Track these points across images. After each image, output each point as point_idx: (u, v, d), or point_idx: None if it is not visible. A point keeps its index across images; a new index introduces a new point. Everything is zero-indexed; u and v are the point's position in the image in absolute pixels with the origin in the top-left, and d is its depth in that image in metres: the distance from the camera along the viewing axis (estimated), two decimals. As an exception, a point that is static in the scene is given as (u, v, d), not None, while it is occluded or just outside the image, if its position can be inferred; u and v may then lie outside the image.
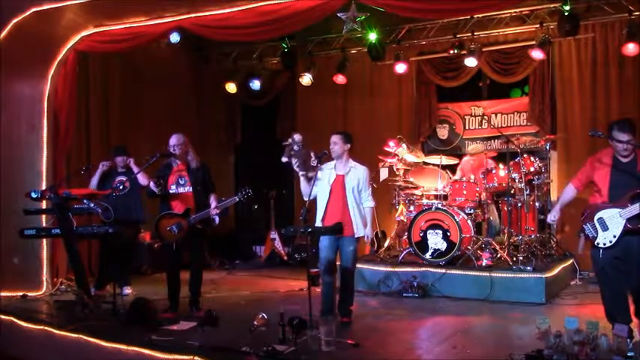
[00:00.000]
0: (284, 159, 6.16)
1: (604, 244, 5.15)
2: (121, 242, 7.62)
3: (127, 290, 7.93)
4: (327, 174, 6.12)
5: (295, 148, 6.03)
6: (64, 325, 6.09)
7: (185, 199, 6.75)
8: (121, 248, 7.79)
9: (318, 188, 6.09)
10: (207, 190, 6.84)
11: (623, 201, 5.09)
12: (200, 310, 6.62)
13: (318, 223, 6.05)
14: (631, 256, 5.16)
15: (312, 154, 6.20)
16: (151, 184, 6.76)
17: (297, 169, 6.15)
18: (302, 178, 6.17)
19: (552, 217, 5.86)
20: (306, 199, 6.03)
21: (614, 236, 5.11)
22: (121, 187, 7.58)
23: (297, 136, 6.12)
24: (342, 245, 6.08)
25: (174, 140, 6.81)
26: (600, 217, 5.18)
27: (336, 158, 6.12)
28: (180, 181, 6.80)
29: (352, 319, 6.19)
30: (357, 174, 6.13)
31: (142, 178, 7.65)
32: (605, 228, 5.15)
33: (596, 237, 5.19)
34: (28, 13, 7.67)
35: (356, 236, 6.09)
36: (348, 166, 6.14)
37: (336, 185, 6.10)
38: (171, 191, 6.78)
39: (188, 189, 6.77)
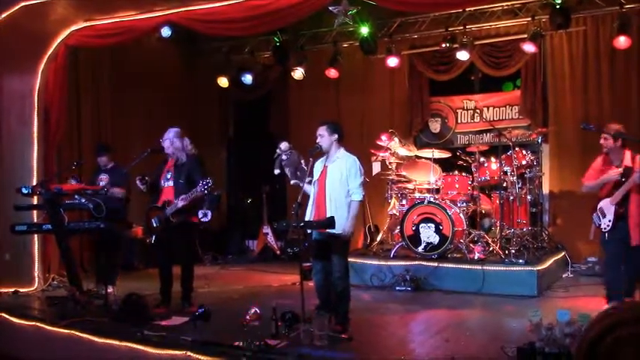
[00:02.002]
0: (276, 171, 6.02)
1: (604, 229, 6.04)
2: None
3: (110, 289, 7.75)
4: (318, 168, 5.83)
5: (284, 157, 5.89)
6: (56, 321, 6.07)
7: (167, 193, 6.77)
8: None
9: (312, 182, 5.81)
10: (193, 184, 6.72)
11: (612, 190, 6.01)
12: (192, 305, 6.61)
13: (308, 218, 5.75)
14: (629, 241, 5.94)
15: (301, 160, 6.02)
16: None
17: (292, 180, 6.00)
18: (307, 186, 5.82)
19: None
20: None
21: (609, 220, 5.99)
22: (102, 184, 7.52)
23: (283, 145, 5.97)
24: (328, 242, 5.73)
25: (168, 134, 6.86)
26: (600, 207, 6.09)
27: (326, 151, 5.79)
28: (167, 176, 6.84)
29: (348, 329, 5.58)
30: (339, 165, 5.70)
31: (117, 191, 7.55)
32: (604, 215, 6.06)
33: (600, 223, 6.08)
34: (17, 7, 7.62)
35: (335, 232, 5.54)
36: (335, 157, 5.76)
37: (322, 178, 5.74)
38: (160, 185, 6.84)
39: (170, 183, 6.80)
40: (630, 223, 5.89)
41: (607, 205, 6.01)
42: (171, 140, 6.79)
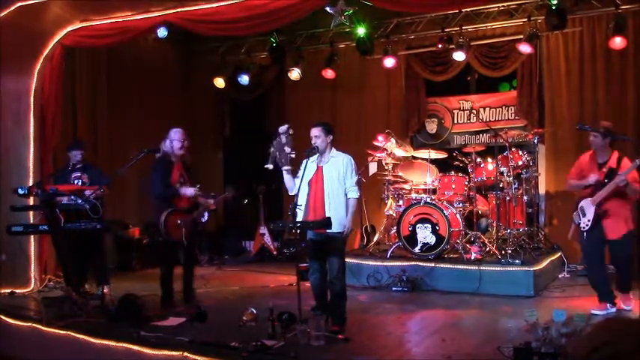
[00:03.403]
0: (269, 166, 5.95)
1: (583, 228, 6.19)
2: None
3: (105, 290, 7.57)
4: (309, 167, 5.76)
5: (277, 139, 5.87)
6: (52, 322, 6.06)
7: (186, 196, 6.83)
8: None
9: (302, 183, 5.73)
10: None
11: (594, 190, 6.12)
12: (199, 301, 6.74)
13: (303, 219, 5.68)
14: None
15: (286, 147, 5.97)
16: (193, 190, 6.73)
17: (268, 164, 5.97)
18: (285, 173, 5.85)
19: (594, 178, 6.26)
20: (291, 193, 5.77)
21: (589, 220, 6.13)
22: (79, 183, 7.48)
23: (281, 128, 5.95)
24: (325, 242, 5.74)
25: (181, 135, 6.81)
26: (581, 206, 6.22)
27: (321, 153, 5.79)
28: (181, 179, 6.83)
29: (345, 330, 5.62)
30: (336, 163, 5.74)
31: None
32: (584, 214, 6.19)
33: (580, 222, 6.22)
34: (13, 7, 7.61)
35: (334, 231, 5.57)
36: (329, 157, 5.79)
37: (316, 178, 5.74)
38: (177, 188, 6.80)
39: (189, 185, 6.83)
40: (608, 221, 6.07)
41: (588, 205, 6.15)
42: (183, 140, 6.81)
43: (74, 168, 7.68)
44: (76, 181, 7.54)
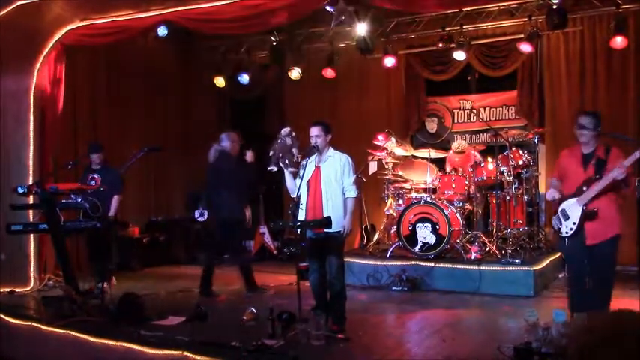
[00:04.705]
0: (273, 168, 5.89)
1: (566, 233, 5.25)
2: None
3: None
4: (307, 168, 5.72)
5: (279, 141, 5.84)
6: (52, 321, 6.05)
7: None
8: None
9: (302, 183, 5.70)
10: None
11: (580, 189, 5.20)
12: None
13: (301, 218, 5.65)
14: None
15: (294, 148, 5.93)
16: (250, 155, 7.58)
17: (283, 167, 5.93)
18: (287, 174, 5.80)
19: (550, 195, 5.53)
20: (292, 195, 5.71)
21: (574, 223, 5.19)
22: (93, 184, 7.50)
23: (283, 131, 5.94)
24: (324, 241, 5.71)
25: (232, 136, 7.66)
26: (562, 209, 5.30)
27: (321, 152, 5.77)
28: None
29: (344, 329, 5.61)
30: (333, 163, 5.72)
31: (115, 199, 7.65)
32: (566, 217, 5.26)
33: (561, 227, 5.30)
34: (13, 6, 7.63)
35: (333, 230, 5.54)
36: (326, 156, 5.77)
37: (314, 178, 5.72)
38: None
39: None
40: (590, 223, 5.15)
41: (572, 207, 5.22)
42: (239, 141, 7.54)
43: (94, 169, 7.87)
44: (92, 183, 7.64)
